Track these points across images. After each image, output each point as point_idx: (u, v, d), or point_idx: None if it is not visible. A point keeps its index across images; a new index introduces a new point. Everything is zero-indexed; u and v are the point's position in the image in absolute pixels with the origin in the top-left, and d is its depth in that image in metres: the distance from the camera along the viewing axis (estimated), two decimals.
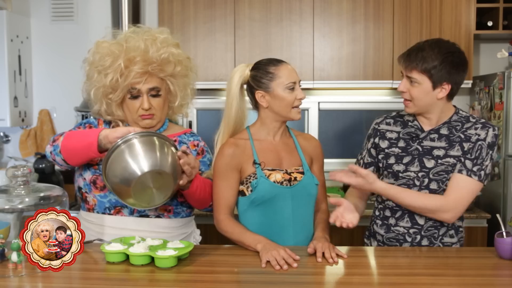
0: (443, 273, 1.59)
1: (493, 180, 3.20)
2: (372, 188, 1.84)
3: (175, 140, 1.96)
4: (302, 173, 1.91)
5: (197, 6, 3.42)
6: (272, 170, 1.88)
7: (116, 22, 3.43)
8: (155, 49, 1.86)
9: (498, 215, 1.80)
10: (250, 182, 1.86)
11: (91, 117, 2.01)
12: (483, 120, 1.89)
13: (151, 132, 1.81)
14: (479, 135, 1.84)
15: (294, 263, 1.62)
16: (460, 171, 1.82)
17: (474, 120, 1.89)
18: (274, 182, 1.85)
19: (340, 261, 1.67)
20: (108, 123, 1.96)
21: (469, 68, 3.32)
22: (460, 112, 1.93)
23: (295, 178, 1.89)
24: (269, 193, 1.85)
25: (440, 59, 1.78)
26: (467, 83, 3.33)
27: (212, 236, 3.04)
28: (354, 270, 1.64)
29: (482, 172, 1.82)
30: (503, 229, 1.69)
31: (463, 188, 1.81)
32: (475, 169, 1.81)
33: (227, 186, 1.87)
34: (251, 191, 1.86)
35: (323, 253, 1.69)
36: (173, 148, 1.80)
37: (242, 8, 3.40)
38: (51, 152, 1.85)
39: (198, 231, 2.08)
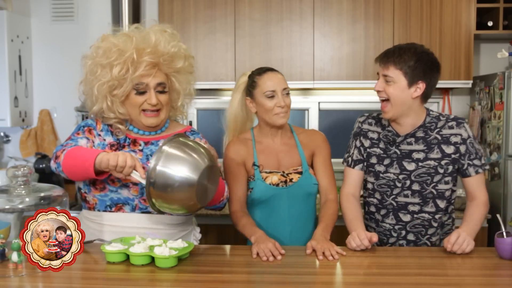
0: (443, 273, 1.59)
1: (493, 180, 3.20)
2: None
3: None
4: (301, 173, 2.00)
5: (197, 6, 3.42)
6: (270, 172, 1.99)
7: (116, 22, 3.43)
8: (166, 42, 1.87)
9: (498, 215, 1.81)
10: (249, 182, 2.00)
11: (89, 118, 1.99)
12: (452, 116, 1.97)
13: (172, 137, 1.72)
14: (461, 134, 1.93)
15: (279, 256, 1.69)
16: (477, 172, 1.93)
17: (444, 118, 1.96)
18: (270, 184, 1.96)
19: (340, 261, 1.67)
20: (106, 123, 1.94)
21: (469, 68, 3.34)
22: (431, 112, 1.98)
23: (291, 180, 1.99)
24: (265, 194, 1.97)
25: (415, 58, 1.86)
26: (467, 83, 3.33)
27: (212, 236, 3.06)
28: (354, 270, 1.64)
29: (484, 158, 1.96)
30: (503, 229, 1.70)
31: (483, 181, 1.98)
32: (482, 161, 1.95)
33: (235, 181, 2.00)
34: (250, 191, 1.99)
35: (323, 252, 1.71)
36: (197, 141, 1.82)
37: (242, 8, 3.39)
38: (55, 168, 1.80)
39: (198, 229, 2.09)
